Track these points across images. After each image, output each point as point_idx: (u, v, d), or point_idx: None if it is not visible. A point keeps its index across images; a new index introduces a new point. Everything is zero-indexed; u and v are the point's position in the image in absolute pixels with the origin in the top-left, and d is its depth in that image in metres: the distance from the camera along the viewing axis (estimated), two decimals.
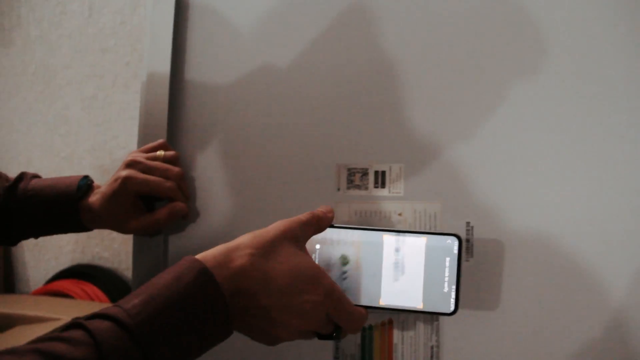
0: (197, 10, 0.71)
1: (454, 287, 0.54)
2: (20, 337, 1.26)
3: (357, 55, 0.65)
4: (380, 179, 0.63)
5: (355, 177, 0.64)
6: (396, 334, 0.61)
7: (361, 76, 0.65)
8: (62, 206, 0.64)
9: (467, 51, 0.63)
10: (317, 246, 0.56)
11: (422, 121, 0.63)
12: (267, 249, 0.48)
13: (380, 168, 0.63)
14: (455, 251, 0.54)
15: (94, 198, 0.65)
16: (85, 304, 1.48)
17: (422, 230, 0.60)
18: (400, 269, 0.55)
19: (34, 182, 0.66)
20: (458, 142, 0.62)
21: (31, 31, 1.59)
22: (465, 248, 0.59)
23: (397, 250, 0.56)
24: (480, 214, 0.60)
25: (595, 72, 0.59)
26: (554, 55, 0.61)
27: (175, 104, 0.69)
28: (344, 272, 0.56)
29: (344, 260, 0.56)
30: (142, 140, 0.69)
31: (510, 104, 0.61)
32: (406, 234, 0.56)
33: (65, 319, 1.34)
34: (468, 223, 0.60)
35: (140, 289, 0.43)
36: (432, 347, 0.60)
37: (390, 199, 0.62)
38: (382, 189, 0.63)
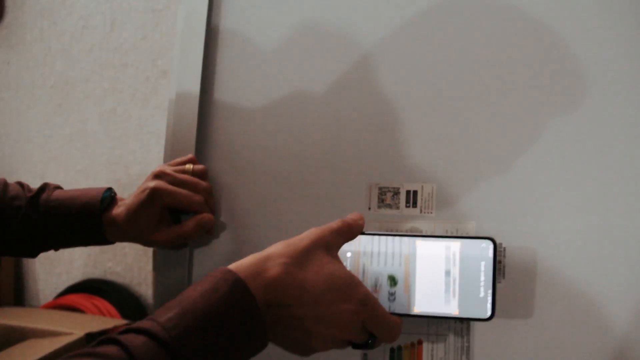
0: (226, 33, 0.71)
1: (490, 291, 0.53)
2: (31, 350, 1.26)
3: (391, 75, 0.66)
4: (412, 199, 0.63)
5: (386, 197, 0.63)
6: (425, 355, 0.60)
7: (393, 95, 0.65)
8: (85, 218, 0.63)
9: (503, 74, 0.63)
10: (348, 254, 0.56)
11: (455, 142, 0.63)
12: (300, 258, 0.47)
13: (412, 187, 0.63)
14: (491, 255, 0.54)
15: (118, 210, 0.64)
16: (97, 319, 1.47)
17: (456, 235, 0.59)
18: (434, 276, 0.54)
19: (57, 193, 0.65)
20: (491, 163, 0.62)
21: (52, 44, 1.60)
22: (497, 269, 0.59)
23: (430, 256, 0.55)
24: (513, 236, 0.60)
25: (628, 101, 0.60)
26: (590, 86, 0.61)
27: (203, 123, 0.69)
28: (392, 294, 0.55)
29: (392, 282, 0.55)
30: (168, 157, 0.69)
31: (544, 126, 0.61)
32: (440, 239, 0.55)
33: (77, 333, 1.33)
34: (500, 244, 0.59)
35: (173, 302, 0.42)
36: None
37: (422, 218, 0.62)
38: (414, 209, 0.63)
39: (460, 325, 0.59)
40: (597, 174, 0.59)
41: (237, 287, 0.43)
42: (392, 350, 0.61)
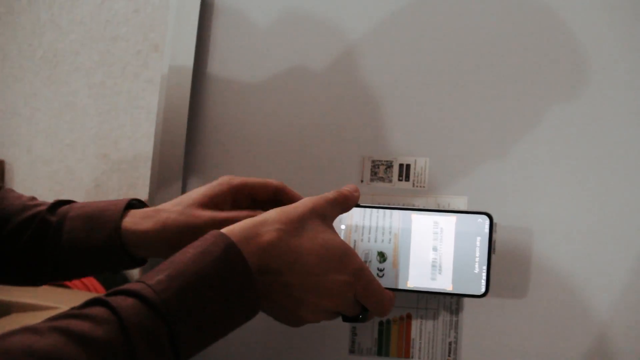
0: (221, 8, 0.70)
1: (484, 267, 0.53)
2: (15, 324, 1.24)
3: (387, 50, 0.65)
4: (405, 172, 0.62)
5: (379, 170, 0.63)
6: (414, 329, 0.60)
7: (389, 70, 0.65)
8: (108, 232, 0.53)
9: (492, 57, 0.63)
10: (342, 227, 0.55)
11: (450, 117, 0.63)
12: (295, 225, 0.46)
13: (405, 161, 0.63)
14: (487, 230, 0.53)
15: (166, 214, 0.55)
16: (82, 294, 1.46)
17: (452, 209, 0.58)
18: (429, 251, 0.54)
19: (77, 210, 0.56)
20: (485, 139, 0.61)
21: (41, 15, 1.57)
22: None
23: (426, 230, 0.54)
24: (505, 214, 0.59)
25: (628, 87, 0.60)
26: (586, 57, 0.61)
27: (196, 98, 0.69)
28: (381, 270, 0.55)
29: (382, 258, 0.54)
30: (160, 132, 0.68)
31: (542, 107, 0.61)
32: (435, 213, 0.54)
33: (62, 307, 1.32)
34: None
35: (163, 264, 0.41)
36: (450, 343, 0.59)
37: (414, 192, 0.62)
38: (406, 182, 0.62)
39: (450, 300, 0.59)
40: (593, 157, 0.59)
41: (229, 250, 0.42)
42: (380, 324, 0.61)
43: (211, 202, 0.54)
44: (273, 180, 0.56)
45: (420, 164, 0.62)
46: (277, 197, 0.56)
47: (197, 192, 0.55)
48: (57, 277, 0.55)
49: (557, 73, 0.61)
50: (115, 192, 1.55)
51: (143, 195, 1.53)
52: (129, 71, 1.50)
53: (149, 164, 1.51)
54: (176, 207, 0.53)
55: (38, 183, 1.61)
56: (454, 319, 0.59)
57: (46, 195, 1.62)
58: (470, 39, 0.63)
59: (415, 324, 0.60)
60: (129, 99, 1.50)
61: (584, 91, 0.60)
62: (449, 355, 0.59)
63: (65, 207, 0.55)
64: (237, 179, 0.55)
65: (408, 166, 0.63)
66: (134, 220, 0.53)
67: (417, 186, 0.62)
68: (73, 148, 1.57)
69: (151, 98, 1.46)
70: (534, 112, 0.61)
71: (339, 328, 0.61)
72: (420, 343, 0.60)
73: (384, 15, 0.66)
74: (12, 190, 0.59)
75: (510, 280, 0.59)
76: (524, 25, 0.63)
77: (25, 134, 1.63)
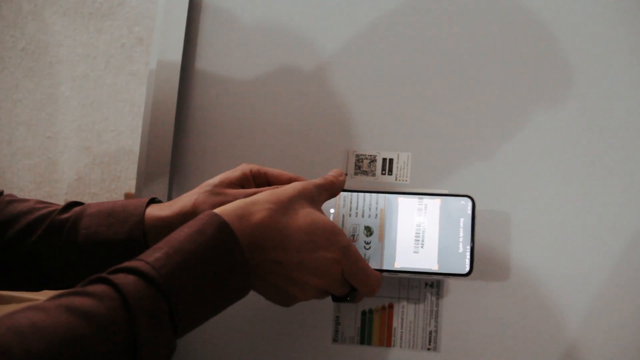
0: (209, 3, 0.71)
1: (468, 247, 0.55)
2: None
3: (372, 47, 0.67)
4: (388, 166, 0.64)
5: (363, 164, 0.65)
6: (396, 318, 0.62)
7: (373, 67, 0.66)
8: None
9: (476, 54, 0.65)
10: (332, 210, 0.57)
11: (431, 113, 0.65)
12: (285, 205, 0.48)
13: (388, 155, 0.64)
14: (469, 212, 0.56)
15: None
16: None
17: (436, 192, 0.60)
18: (415, 231, 0.56)
19: (95, 207, 0.56)
20: (466, 135, 0.63)
21: (23, 5, 1.56)
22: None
23: (411, 212, 0.56)
24: (487, 203, 0.62)
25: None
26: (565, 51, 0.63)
27: (184, 93, 0.69)
28: (367, 243, 0.56)
29: (368, 232, 0.57)
30: (147, 126, 0.69)
31: (519, 99, 0.63)
32: (420, 196, 0.57)
33: (43, 299, 1.32)
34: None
35: (160, 244, 0.43)
36: (430, 332, 0.61)
37: (397, 185, 0.64)
38: (390, 176, 0.64)
39: (431, 289, 0.61)
40: (573, 154, 0.62)
41: (222, 229, 0.44)
42: (363, 313, 0.62)
43: (237, 183, 0.56)
44: (288, 172, 0.58)
45: (403, 159, 0.64)
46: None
47: (219, 177, 0.56)
48: (68, 277, 0.54)
49: (540, 73, 0.63)
50: (97, 185, 1.54)
51: (126, 189, 1.52)
52: (112, 64, 1.49)
53: (132, 157, 1.52)
54: (203, 189, 0.55)
55: (19, 175, 1.60)
56: (435, 308, 0.61)
57: (27, 187, 1.61)
58: (454, 38, 0.65)
59: (396, 314, 0.62)
60: (113, 92, 1.50)
61: (566, 91, 0.63)
62: (429, 344, 0.61)
63: (80, 207, 0.56)
64: (255, 166, 0.58)
65: (391, 160, 0.64)
66: (159, 207, 0.55)
67: (399, 180, 0.64)
68: (55, 140, 1.56)
69: (135, 91, 1.46)
70: (516, 110, 0.63)
71: (322, 317, 0.63)
72: (401, 332, 0.61)
73: (369, 14, 0.67)
74: (15, 195, 0.59)
75: (489, 269, 0.61)
76: (508, 27, 0.65)
77: (6, 126, 1.62)
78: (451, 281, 0.61)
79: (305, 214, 0.49)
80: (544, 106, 0.63)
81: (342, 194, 0.57)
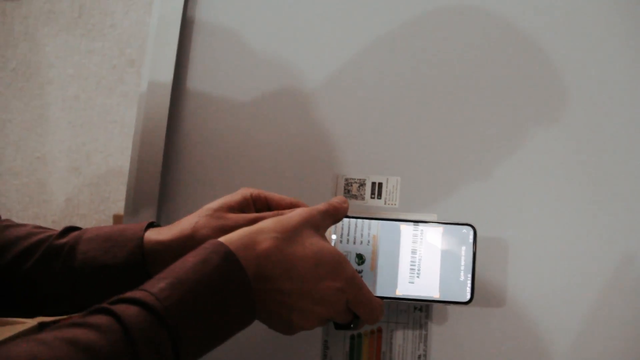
0: (201, 25, 0.71)
1: (469, 275, 0.56)
2: None
3: (361, 71, 0.67)
4: (377, 190, 0.65)
5: (352, 187, 0.65)
6: (384, 343, 0.61)
7: (362, 90, 0.67)
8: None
9: (466, 78, 0.65)
10: (333, 237, 0.57)
11: (420, 137, 0.65)
12: (290, 234, 0.47)
13: (377, 179, 0.65)
14: (471, 240, 0.56)
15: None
16: None
17: (438, 220, 0.61)
18: (417, 259, 0.56)
19: (93, 232, 0.55)
20: (454, 159, 0.64)
21: (15, 26, 1.56)
22: None
23: (414, 240, 0.57)
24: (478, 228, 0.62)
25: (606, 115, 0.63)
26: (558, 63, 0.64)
27: (174, 114, 0.69)
28: (359, 272, 0.56)
29: (360, 260, 0.57)
30: (137, 147, 0.69)
31: (506, 122, 0.64)
32: (423, 224, 0.57)
33: (30, 322, 1.29)
34: None
35: (163, 273, 0.42)
36: (419, 357, 0.61)
37: (386, 209, 0.64)
38: (378, 200, 0.64)
39: (420, 313, 0.61)
40: (563, 170, 0.62)
41: (228, 259, 0.43)
42: (352, 337, 0.62)
43: (237, 207, 0.55)
44: (289, 197, 0.58)
45: (392, 183, 0.64)
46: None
47: (219, 201, 0.55)
48: (65, 303, 0.54)
49: (535, 94, 0.64)
50: (86, 206, 1.53)
51: (115, 210, 1.51)
52: (103, 85, 1.50)
53: (121, 178, 1.51)
54: (203, 213, 0.54)
55: (7, 196, 1.59)
56: (424, 332, 0.61)
57: (15, 208, 1.59)
58: (444, 60, 0.66)
59: (385, 338, 0.62)
60: (103, 113, 1.50)
61: (561, 112, 0.64)
62: None
63: (77, 232, 0.55)
64: (255, 190, 0.57)
65: (380, 184, 0.65)
66: (157, 231, 0.53)
67: (388, 204, 0.64)
68: (44, 161, 1.56)
69: (125, 113, 1.46)
70: (508, 133, 0.64)
71: (311, 341, 0.62)
72: (390, 356, 0.61)
73: (359, 39, 0.68)
74: (13, 220, 0.58)
75: (481, 293, 0.61)
76: (500, 46, 0.66)
77: None
78: (440, 305, 0.61)
79: (310, 243, 0.48)
80: (539, 128, 0.63)
81: (345, 220, 0.57)
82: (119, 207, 1.49)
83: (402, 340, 0.61)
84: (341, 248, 0.57)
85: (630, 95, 0.63)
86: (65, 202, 1.55)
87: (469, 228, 0.57)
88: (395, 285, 0.56)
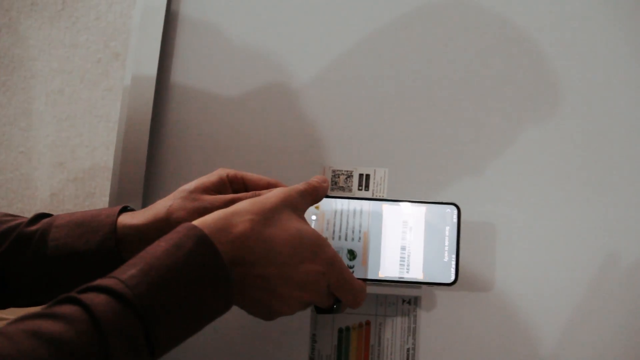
0: (185, 18, 0.71)
1: (454, 256, 0.55)
2: None
3: (349, 63, 0.67)
4: (365, 182, 0.64)
5: (339, 179, 0.64)
6: (373, 336, 0.61)
7: (350, 82, 0.66)
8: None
9: (454, 70, 0.65)
10: (313, 217, 0.56)
11: (407, 129, 0.65)
12: (267, 215, 0.46)
13: (364, 171, 0.64)
14: (455, 220, 0.55)
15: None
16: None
17: (421, 200, 0.60)
18: (399, 240, 0.55)
19: (64, 218, 0.54)
20: (440, 149, 0.64)
21: None
22: None
23: (396, 221, 0.55)
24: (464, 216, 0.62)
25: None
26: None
27: (159, 108, 0.69)
28: (351, 268, 0.55)
29: (351, 256, 0.56)
30: (121, 141, 0.68)
31: (492, 113, 0.64)
32: (405, 203, 0.56)
33: (8, 317, 1.28)
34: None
35: (134, 259, 0.40)
36: (408, 350, 0.60)
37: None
38: (366, 191, 0.64)
39: (408, 306, 0.61)
40: (552, 159, 0.62)
41: (202, 243, 0.42)
42: (340, 331, 0.62)
43: (213, 189, 0.53)
44: (267, 177, 0.56)
45: (380, 174, 0.64)
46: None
47: (194, 182, 0.54)
48: (38, 293, 0.52)
49: (519, 88, 0.64)
50: (71, 201, 1.51)
51: (101, 205, 1.50)
52: (88, 79, 1.47)
53: (106, 173, 1.49)
54: (178, 195, 0.52)
55: None
56: (412, 325, 0.61)
57: None
58: (433, 53, 0.66)
59: (374, 331, 0.61)
60: (88, 107, 1.48)
61: (542, 107, 0.63)
62: None
63: (48, 219, 0.53)
64: (232, 170, 0.55)
65: (368, 176, 0.64)
66: (131, 215, 0.52)
67: (376, 195, 0.63)
68: (28, 156, 1.54)
69: (111, 107, 1.44)
70: (492, 124, 0.64)
71: (299, 335, 0.62)
72: (379, 350, 0.61)
73: (348, 33, 0.67)
74: None
75: (468, 283, 0.61)
76: (492, 40, 0.65)
77: None
78: (429, 298, 0.61)
79: (289, 224, 0.46)
80: (528, 120, 0.63)
81: (325, 200, 0.56)
82: (105, 202, 1.47)
83: (390, 333, 0.61)
84: (333, 245, 0.56)
85: (621, 92, 0.63)
86: (50, 197, 1.53)
87: (453, 207, 0.55)
88: (378, 268, 0.55)
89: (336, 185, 0.64)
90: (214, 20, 0.70)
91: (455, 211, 0.55)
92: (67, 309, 0.36)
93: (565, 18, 0.64)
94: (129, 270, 0.39)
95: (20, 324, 0.34)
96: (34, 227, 0.52)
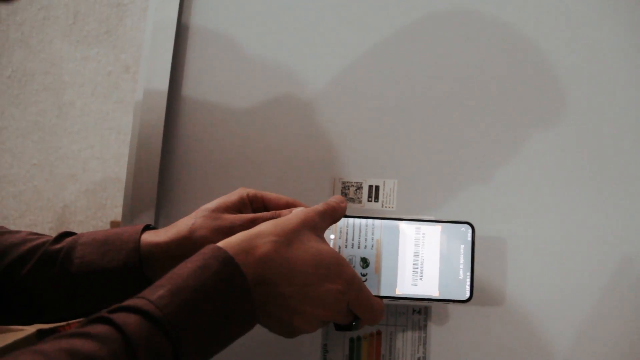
0: (196, 31, 0.71)
1: (468, 274, 0.56)
2: None
3: (358, 76, 0.68)
4: (374, 193, 0.65)
5: (349, 191, 0.65)
6: (384, 345, 0.62)
7: (359, 94, 0.67)
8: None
9: (463, 80, 0.66)
10: (332, 236, 0.57)
11: (416, 140, 0.65)
12: (289, 237, 0.47)
13: (374, 183, 0.65)
14: (469, 238, 0.56)
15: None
16: None
17: (436, 219, 0.61)
18: (416, 258, 0.56)
19: (89, 236, 0.55)
20: (450, 160, 0.64)
21: (10, 34, 1.56)
22: None
23: (412, 239, 0.57)
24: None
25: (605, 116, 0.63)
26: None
27: (171, 121, 0.69)
28: (364, 275, 0.56)
29: (364, 264, 0.56)
30: (133, 154, 0.69)
31: (503, 125, 0.64)
32: (421, 222, 0.57)
33: (28, 329, 1.29)
34: None
35: (162, 280, 0.41)
36: (419, 359, 0.61)
37: (383, 212, 0.64)
38: (376, 203, 0.64)
39: (419, 315, 0.61)
40: (562, 170, 0.63)
41: (227, 264, 0.43)
42: (351, 340, 0.62)
43: (234, 208, 0.55)
44: (285, 196, 0.58)
45: (389, 186, 0.65)
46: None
47: (216, 201, 0.55)
48: (62, 310, 0.53)
49: (528, 98, 0.64)
50: (83, 213, 1.53)
51: (112, 217, 1.51)
52: (99, 92, 1.50)
53: (118, 185, 1.51)
54: (200, 214, 0.54)
55: (3, 203, 1.59)
56: (423, 335, 0.61)
57: (11, 215, 1.59)
58: (441, 64, 0.66)
59: (385, 341, 0.62)
60: (99, 119, 1.50)
61: (550, 114, 0.64)
62: None
63: (73, 237, 0.54)
64: (252, 190, 0.57)
65: (377, 187, 0.65)
66: (154, 233, 0.53)
67: (386, 207, 0.64)
68: (40, 168, 1.56)
69: (121, 119, 1.46)
70: (501, 134, 0.64)
71: (310, 345, 0.62)
72: (389, 359, 0.61)
73: (358, 43, 0.68)
74: (6, 227, 0.57)
75: (481, 293, 0.61)
76: (499, 49, 0.66)
77: None
78: (439, 308, 0.61)
79: (309, 245, 0.48)
80: (537, 130, 0.64)
81: (343, 219, 0.57)
82: (116, 214, 1.49)
83: (401, 343, 0.61)
84: (345, 252, 0.57)
85: (629, 96, 0.63)
86: (62, 209, 1.55)
87: (467, 226, 0.57)
88: (394, 285, 0.56)
89: (346, 196, 0.65)
90: (225, 33, 0.71)
91: (470, 230, 0.57)
92: (100, 328, 0.37)
93: (572, 19, 0.65)
94: (158, 291, 0.40)
95: (56, 343, 0.35)
96: (59, 245, 0.53)
